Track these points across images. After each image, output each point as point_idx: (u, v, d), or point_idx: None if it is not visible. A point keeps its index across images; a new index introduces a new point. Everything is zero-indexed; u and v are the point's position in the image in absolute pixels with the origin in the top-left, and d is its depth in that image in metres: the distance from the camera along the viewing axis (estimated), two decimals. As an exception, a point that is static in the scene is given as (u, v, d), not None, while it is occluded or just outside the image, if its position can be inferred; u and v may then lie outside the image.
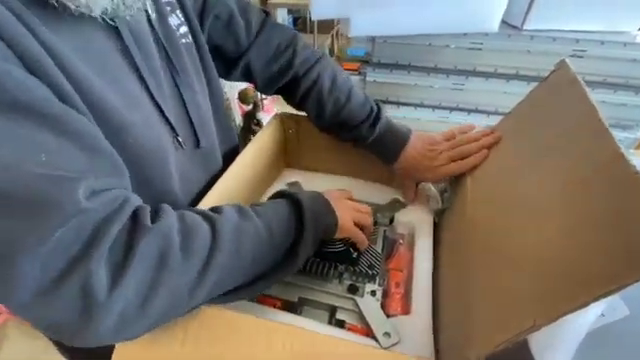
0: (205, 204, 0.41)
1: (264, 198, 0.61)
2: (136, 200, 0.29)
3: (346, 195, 0.46)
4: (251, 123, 1.98)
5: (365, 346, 0.33)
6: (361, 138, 0.50)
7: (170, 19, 0.40)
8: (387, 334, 0.39)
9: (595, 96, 0.58)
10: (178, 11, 0.42)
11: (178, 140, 0.40)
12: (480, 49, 0.58)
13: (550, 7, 0.54)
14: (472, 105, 0.65)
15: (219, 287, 0.30)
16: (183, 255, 0.27)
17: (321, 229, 0.38)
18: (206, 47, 0.46)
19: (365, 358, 0.29)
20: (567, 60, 0.37)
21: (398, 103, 0.68)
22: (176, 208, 0.33)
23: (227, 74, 0.52)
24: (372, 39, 0.60)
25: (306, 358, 0.29)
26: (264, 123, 1.33)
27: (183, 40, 0.41)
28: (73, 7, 0.26)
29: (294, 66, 0.49)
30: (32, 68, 0.24)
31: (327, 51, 3.61)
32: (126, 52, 0.33)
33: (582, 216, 0.23)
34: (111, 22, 0.31)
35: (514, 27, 0.59)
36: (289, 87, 0.52)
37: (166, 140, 0.38)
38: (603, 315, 0.24)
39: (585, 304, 0.19)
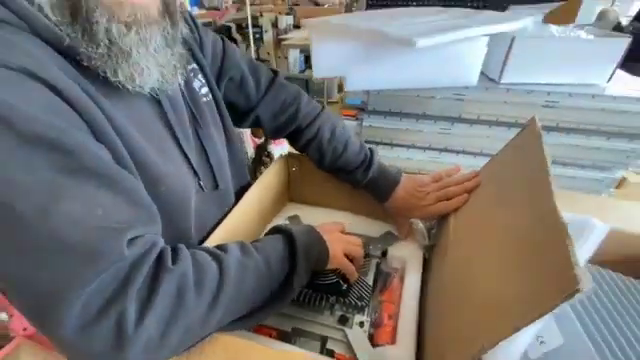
0: (216, 236, 0.47)
1: (267, 230, 0.67)
2: (161, 242, 0.33)
3: (338, 228, 0.51)
4: (262, 155, 2.07)
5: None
6: (356, 181, 0.57)
7: (194, 83, 0.48)
8: None
9: (570, 140, 0.64)
10: (200, 75, 0.50)
11: (200, 184, 0.47)
12: (462, 100, 0.64)
13: (523, 63, 0.62)
14: (459, 147, 0.71)
15: (227, 317, 0.34)
16: (196, 291, 0.31)
17: (313, 260, 0.43)
18: (223, 103, 0.54)
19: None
20: (536, 117, 0.41)
21: (392, 145, 0.75)
22: (189, 242, 0.40)
23: (239, 124, 0.60)
24: (367, 91, 0.68)
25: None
26: (275, 155, 1.42)
27: (204, 99, 0.50)
28: (130, 87, 0.35)
29: (298, 119, 0.57)
30: (97, 134, 0.32)
31: (336, 88, 3.79)
32: (164, 117, 0.42)
33: (512, 258, 0.28)
34: (155, 95, 0.40)
35: (492, 80, 0.66)
36: (293, 136, 0.60)
37: (191, 185, 0.45)
38: (543, 342, 0.28)
39: (519, 328, 0.24)
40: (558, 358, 0.26)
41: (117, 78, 0.33)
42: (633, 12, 3.16)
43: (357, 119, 0.75)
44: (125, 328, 0.26)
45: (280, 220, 0.72)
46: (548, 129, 0.64)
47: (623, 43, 0.59)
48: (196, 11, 1.50)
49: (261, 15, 3.76)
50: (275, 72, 0.60)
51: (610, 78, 0.63)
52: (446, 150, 0.72)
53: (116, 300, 0.26)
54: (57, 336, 0.25)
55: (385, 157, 0.75)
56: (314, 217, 0.70)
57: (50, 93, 0.29)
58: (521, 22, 0.60)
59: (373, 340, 0.46)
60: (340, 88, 3.95)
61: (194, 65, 0.49)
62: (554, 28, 0.63)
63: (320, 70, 0.59)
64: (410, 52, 0.57)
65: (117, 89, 0.35)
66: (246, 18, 3.37)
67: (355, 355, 0.44)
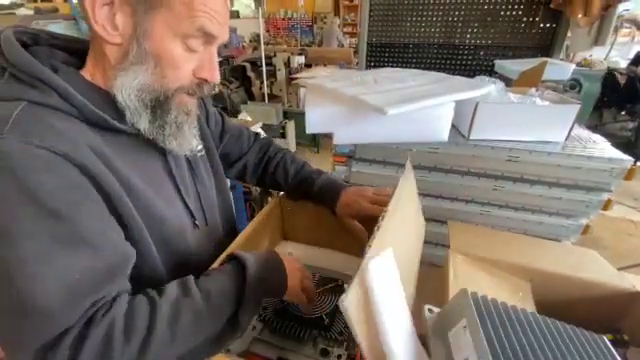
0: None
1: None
2: (117, 297, 0.40)
3: (295, 260, 0.57)
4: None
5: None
6: (311, 188, 0.71)
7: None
8: None
9: (534, 191, 0.72)
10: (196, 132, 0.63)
11: (195, 223, 0.59)
12: (437, 152, 0.74)
13: (487, 124, 0.71)
14: (437, 192, 0.79)
15: (166, 356, 0.39)
16: (125, 337, 0.36)
17: (267, 291, 0.49)
18: (217, 156, 0.68)
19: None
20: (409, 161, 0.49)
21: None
22: (190, 269, 0.48)
23: (228, 172, 0.77)
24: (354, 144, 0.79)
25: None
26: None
27: (199, 153, 0.62)
28: (179, 151, 0.52)
29: (268, 152, 0.78)
30: (110, 198, 0.42)
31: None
32: (169, 170, 0.55)
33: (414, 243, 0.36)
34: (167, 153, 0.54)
35: (463, 136, 0.75)
36: (266, 168, 0.77)
37: (187, 224, 0.57)
38: None
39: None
40: None
41: (172, 147, 0.50)
42: (631, 55, 3.28)
43: (346, 165, 0.85)
44: None
45: (286, 247, 0.80)
46: (514, 180, 0.72)
47: (573, 109, 0.68)
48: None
49: (275, 55, 4.04)
50: (256, 133, 0.82)
51: (568, 136, 0.72)
52: (425, 194, 0.80)
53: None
54: None
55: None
56: (306, 254, 0.78)
57: (78, 173, 0.39)
58: (484, 89, 0.70)
59: None
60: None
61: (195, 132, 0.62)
62: (512, 95, 0.73)
63: (312, 126, 0.70)
64: (386, 117, 0.67)
65: (132, 152, 0.48)
66: (260, 58, 3.64)
67: None
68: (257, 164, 0.79)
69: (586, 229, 0.74)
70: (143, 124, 0.47)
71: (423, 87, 0.72)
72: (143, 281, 0.47)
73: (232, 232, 0.73)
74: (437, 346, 0.40)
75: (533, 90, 0.77)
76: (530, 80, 0.84)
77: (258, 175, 0.79)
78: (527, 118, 0.69)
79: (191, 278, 0.46)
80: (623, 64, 3.34)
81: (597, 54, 3.62)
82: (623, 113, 2.87)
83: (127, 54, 0.43)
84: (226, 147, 0.74)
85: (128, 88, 0.44)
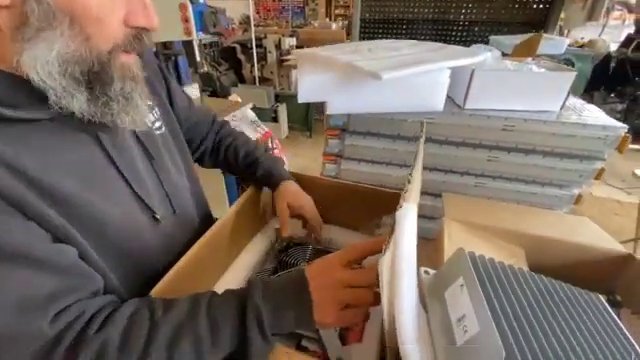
0: (200, 243, 0.53)
1: (254, 242, 0.75)
2: (93, 307, 0.36)
3: (337, 264, 0.42)
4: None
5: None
6: (255, 173, 0.71)
7: (146, 120, 0.49)
8: (339, 358, 0.49)
9: (528, 160, 0.71)
10: (155, 110, 0.55)
11: (155, 217, 0.49)
12: (432, 123, 0.72)
13: (483, 92, 0.70)
14: (431, 165, 0.78)
15: None
16: (120, 356, 0.33)
17: (285, 328, 0.38)
18: (181, 137, 0.63)
19: None
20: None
21: (371, 162, 0.82)
22: (156, 268, 0.44)
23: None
24: (348, 114, 0.77)
25: None
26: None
27: (157, 132, 0.54)
28: (132, 126, 0.43)
29: (220, 134, 0.77)
30: (31, 213, 0.33)
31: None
32: (105, 154, 0.43)
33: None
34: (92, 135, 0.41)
35: (458, 105, 0.74)
36: (218, 151, 0.76)
37: (142, 221, 0.47)
38: (466, 330, 0.34)
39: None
40: (476, 343, 0.32)
41: (125, 124, 0.41)
42: (622, 38, 3.29)
43: (340, 138, 0.83)
44: None
45: (267, 232, 0.79)
46: (509, 150, 0.71)
47: (569, 77, 0.67)
48: (201, 36, 1.62)
49: (265, 37, 3.94)
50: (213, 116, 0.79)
51: (562, 106, 0.71)
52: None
53: None
54: None
55: (365, 173, 0.83)
56: (301, 230, 0.77)
57: None
58: (480, 57, 0.68)
59: (345, 341, 0.53)
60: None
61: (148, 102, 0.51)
62: (509, 63, 0.72)
63: (304, 95, 0.68)
64: (381, 83, 0.65)
65: (53, 146, 0.37)
66: (251, 39, 3.54)
67: (326, 351, 0.50)
68: (212, 148, 0.77)
69: (578, 199, 0.74)
70: (79, 106, 0.37)
71: (419, 55, 0.70)
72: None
73: (207, 220, 0.69)
74: (434, 306, 0.40)
75: (529, 59, 0.76)
76: (526, 52, 0.82)
77: (213, 159, 0.78)
78: (523, 85, 0.68)
79: (202, 298, 0.39)
80: (614, 47, 3.36)
81: (589, 37, 3.62)
82: (612, 95, 2.89)
83: (26, 18, 0.32)
84: (188, 133, 0.69)
85: (45, 64, 0.33)
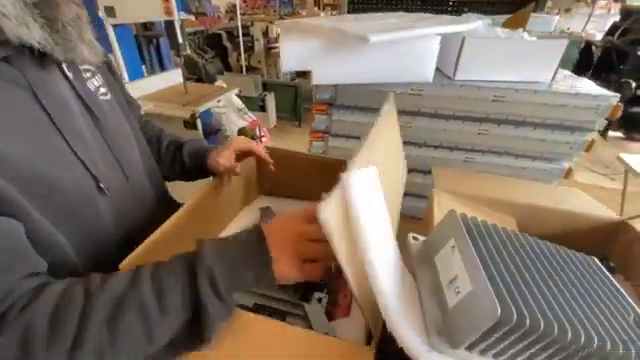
0: (177, 217, 0.50)
1: (236, 221, 0.71)
2: (22, 287, 0.31)
3: (299, 218, 0.39)
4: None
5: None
6: (181, 156, 0.63)
7: (89, 82, 0.47)
8: (326, 333, 0.47)
9: (519, 133, 0.69)
10: (98, 76, 0.50)
11: (100, 186, 0.44)
12: (421, 95, 0.70)
13: (473, 61, 0.68)
14: (421, 140, 0.76)
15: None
16: (49, 339, 0.28)
17: (242, 284, 0.35)
18: (127, 105, 0.56)
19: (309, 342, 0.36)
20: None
21: (359, 138, 0.80)
22: (110, 241, 0.41)
23: None
24: (334, 86, 0.73)
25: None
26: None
27: (102, 97, 0.49)
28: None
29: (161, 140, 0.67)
30: None
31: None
32: (44, 112, 0.38)
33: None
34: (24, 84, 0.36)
35: (448, 77, 0.71)
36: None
37: (89, 187, 0.43)
38: (459, 291, 0.32)
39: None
40: (470, 302, 0.30)
41: (82, 54, 0.39)
42: (607, 28, 3.33)
43: (327, 114, 0.80)
44: None
45: (251, 211, 0.76)
46: (499, 122, 0.70)
47: (562, 44, 0.65)
48: (183, 16, 1.55)
49: (252, 24, 3.84)
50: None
51: (554, 76, 0.69)
52: (409, 143, 0.77)
53: None
54: None
55: (352, 150, 0.79)
56: (286, 208, 0.74)
57: None
58: (472, 24, 0.66)
59: (332, 316, 0.50)
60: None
61: (89, 67, 0.49)
62: (500, 31, 0.69)
63: (288, 64, 0.64)
64: (368, 49, 0.62)
65: None
66: (237, 27, 3.44)
67: (312, 327, 0.48)
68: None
69: (568, 173, 0.73)
70: (35, 34, 0.34)
71: (408, 23, 0.67)
72: (56, 270, 0.37)
73: (166, 200, 0.63)
74: (423, 272, 0.38)
75: (520, 29, 0.74)
76: (516, 23, 0.80)
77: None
78: (515, 54, 0.66)
79: (144, 268, 0.35)
80: (599, 37, 3.40)
81: (575, 27, 3.66)
82: (598, 83, 2.93)
83: None
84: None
85: None
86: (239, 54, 3.56)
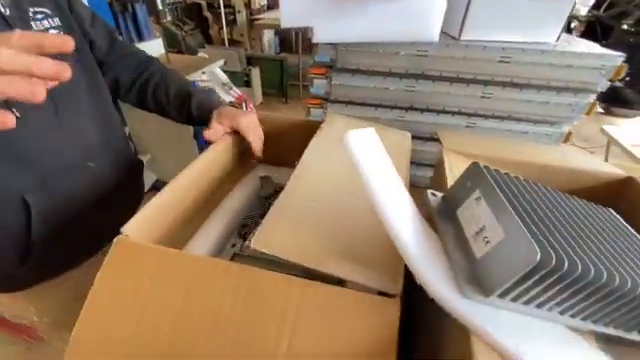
0: (183, 178, 0.48)
1: (235, 189, 0.68)
2: None
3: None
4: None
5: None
6: (190, 109, 0.65)
7: (33, 23, 0.49)
8: None
9: (523, 96, 0.68)
10: (53, 19, 0.52)
11: (12, 111, 0.44)
12: (425, 56, 0.67)
13: (480, 20, 0.65)
14: (423, 105, 0.74)
15: None
16: None
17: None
18: (87, 49, 0.58)
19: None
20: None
21: (360, 104, 0.77)
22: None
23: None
24: (335, 47, 0.70)
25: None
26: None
27: (50, 27, 0.51)
28: None
29: (146, 71, 0.68)
30: None
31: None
32: None
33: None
34: None
35: (453, 38, 0.69)
36: (145, 89, 0.67)
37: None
38: (488, 241, 0.31)
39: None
40: (503, 249, 0.29)
41: None
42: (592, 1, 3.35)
43: (326, 78, 0.76)
44: None
45: (251, 180, 0.73)
46: (504, 84, 0.68)
47: (569, 3, 0.64)
48: (163, -21, 1.44)
49: (233, -6, 3.64)
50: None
51: (558, 37, 0.68)
52: (412, 108, 0.75)
53: None
54: None
55: (353, 116, 0.77)
56: (285, 177, 0.71)
57: None
58: (479, -20, 0.63)
59: None
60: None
61: (44, 9, 0.51)
62: (508, -13, 0.67)
63: (288, 20, 0.60)
64: (373, 4, 0.58)
65: None
66: (217, -2, 3.25)
67: None
68: (133, 81, 0.68)
69: (567, 136, 0.74)
70: None
71: (413, -23, 0.63)
72: None
73: (109, 146, 0.63)
74: (444, 226, 0.37)
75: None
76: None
77: (136, 95, 0.69)
78: (522, 12, 0.64)
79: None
80: (584, 12, 3.42)
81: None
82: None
83: None
84: (113, 68, 0.64)
85: None
86: (220, 27, 3.39)
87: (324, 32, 0.63)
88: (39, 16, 0.50)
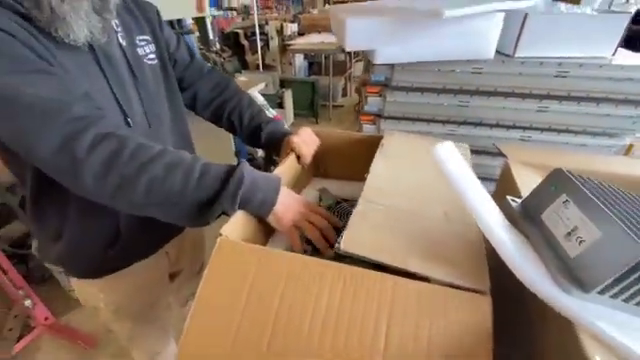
0: None
1: None
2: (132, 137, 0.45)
3: (306, 204, 0.52)
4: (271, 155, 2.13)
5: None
6: (260, 136, 0.70)
7: (139, 49, 0.59)
8: None
9: (581, 109, 0.70)
10: (152, 46, 0.62)
11: (127, 120, 0.55)
12: (480, 73, 0.70)
13: (535, 38, 0.68)
14: (477, 119, 0.76)
15: (153, 189, 0.43)
16: (130, 156, 0.43)
17: (249, 198, 0.46)
18: (172, 73, 0.66)
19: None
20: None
21: (413, 119, 0.81)
22: None
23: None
24: (391, 67, 0.74)
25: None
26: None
27: (149, 62, 0.60)
28: (67, 40, 0.47)
29: (226, 92, 0.74)
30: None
31: (340, 92, 3.88)
32: (99, 64, 0.52)
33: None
34: (89, 46, 0.51)
35: (507, 55, 0.72)
36: (222, 108, 0.74)
37: (118, 117, 0.54)
38: (582, 240, 0.32)
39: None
40: (601, 247, 0.31)
41: (58, 34, 0.46)
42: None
43: (381, 96, 0.81)
44: (76, 154, 0.41)
45: (310, 192, 0.77)
46: (560, 99, 0.70)
47: (624, 19, 0.65)
48: (214, 12, 1.58)
49: (267, 23, 3.87)
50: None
51: (615, 51, 0.69)
52: (465, 123, 0.78)
53: (74, 138, 0.41)
54: (39, 157, 0.42)
55: (407, 131, 0.80)
56: (341, 189, 0.74)
57: (8, 36, 0.42)
58: (532, 0, 0.66)
59: None
60: (344, 93, 4.03)
61: (146, 37, 0.61)
62: (562, 5, 0.70)
63: (352, 41, 0.65)
64: (434, 26, 0.63)
65: (63, 43, 0.47)
66: (252, 26, 3.48)
67: None
68: (211, 100, 0.75)
69: (629, 149, 0.73)
70: (46, 12, 0.44)
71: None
72: None
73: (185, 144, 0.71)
74: (530, 229, 0.38)
75: (578, 4, 0.74)
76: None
77: (212, 112, 0.76)
78: (578, 30, 0.66)
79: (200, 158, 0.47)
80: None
81: None
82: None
83: None
84: (175, 71, 0.70)
85: None
86: (255, 52, 3.59)
87: (384, 54, 0.68)
88: (142, 43, 0.59)
